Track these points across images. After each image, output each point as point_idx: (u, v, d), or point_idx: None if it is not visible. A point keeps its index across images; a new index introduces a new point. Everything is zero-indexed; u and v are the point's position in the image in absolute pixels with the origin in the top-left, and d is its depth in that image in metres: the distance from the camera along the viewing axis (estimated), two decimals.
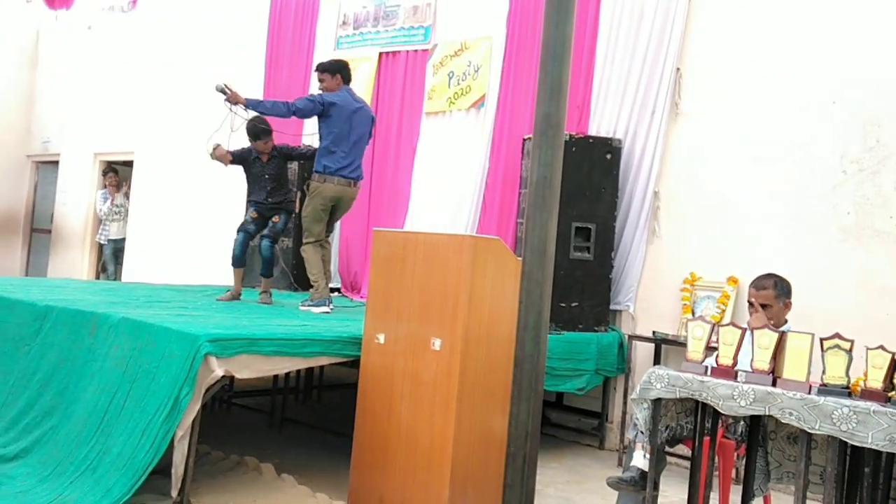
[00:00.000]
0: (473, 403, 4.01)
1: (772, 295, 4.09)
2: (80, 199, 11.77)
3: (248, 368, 4.11)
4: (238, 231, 6.47)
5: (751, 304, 4.16)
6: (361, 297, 7.34)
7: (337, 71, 5.97)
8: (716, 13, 5.96)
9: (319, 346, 4.42)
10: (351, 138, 5.87)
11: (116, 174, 10.96)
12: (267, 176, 6.38)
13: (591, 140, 6.08)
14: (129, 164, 11.12)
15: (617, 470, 5.11)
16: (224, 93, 5.79)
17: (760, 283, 4.14)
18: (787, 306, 4.13)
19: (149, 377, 4.04)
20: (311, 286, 6.00)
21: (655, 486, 3.69)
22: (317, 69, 6.10)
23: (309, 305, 5.90)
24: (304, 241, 6.03)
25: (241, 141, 6.39)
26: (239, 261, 6.42)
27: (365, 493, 4.22)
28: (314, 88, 8.50)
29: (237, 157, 6.42)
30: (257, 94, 9.02)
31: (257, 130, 6.21)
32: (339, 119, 5.79)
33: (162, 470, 3.87)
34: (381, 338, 4.27)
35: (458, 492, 3.93)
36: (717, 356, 3.53)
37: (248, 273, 7.27)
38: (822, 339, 3.25)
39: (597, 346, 5.83)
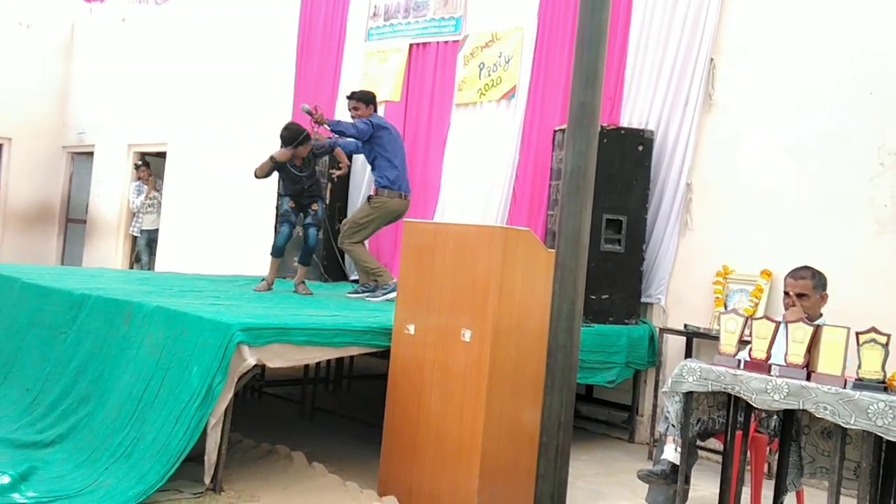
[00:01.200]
0: (503, 395, 4.00)
1: (810, 285, 4.04)
2: (115, 190, 11.92)
3: (280, 357, 4.14)
4: (283, 223, 6.49)
5: (787, 294, 4.11)
6: None
7: (370, 102, 6.50)
8: (751, 1, 5.88)
9: (350, 337, 4.44)
10: (401, 155, 6.42)
11: (148, 167, 11.08)
12: (304, 176, 6.42)
13: (622, 131, 6.03)
14: (162, 155, 11.24)
15: (647, 463, 5.08)
16: (311, 114, 6.11)
17: (798, 273, 4.10)
18: (824, 298, 4.09)
19: (182, 365, 4.09)
20: (375, 278, 6.36)
21: (686, 480, 3.67)
22: (351, 97, 6.52)
23: (384, 295, 6.16)
24: (351, 241, 6.41)
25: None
26: (280, 251, 6.47)
27: (394, 482, 4.24)
28: (344, 84, 8.57)
29: (275, 169, 6.40)
30: (288, 85, 9.08)
31: (302, 138, 6.25)
32: (389, 138, 6.38)
33: (195, 457, 3.92)
34: (412, 328, 4.28)
35: (487, 483, 3.94)
36: (750, 350, 3.50)
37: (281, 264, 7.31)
38: (857, 333, 3.21)
39: (627, 338, 5.79)
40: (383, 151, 6.31)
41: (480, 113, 7.50)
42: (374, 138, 6.30)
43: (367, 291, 6.34)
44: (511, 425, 4.05)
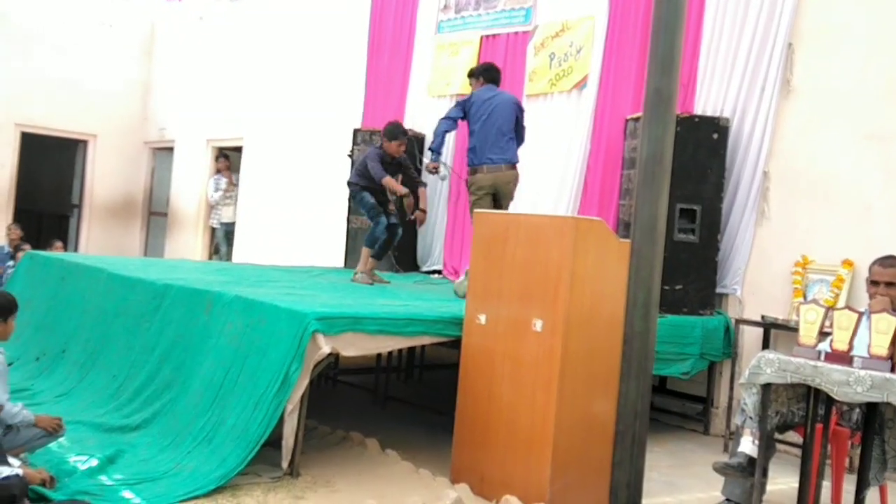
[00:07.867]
0: (575, 385, 3.99)
1: None
2: (194, 184, 12.26)
3: (353, 346, 4.22)
4: (378, 214, 6.42)
5: (875, 283, 3.98)
6: None
7: (478, 75, 6.24)
8: None
9: (421, 326, 4.49)
10: (480, 122, 5.99)
11: (227, 160, 11.36)
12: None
13: (696, 119, 5.92)
14: (238, 149, 11.50)
15: (722, 456, 5.00)
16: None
17: (887, 261, 3.97)
18: None
19: (260, 353, 4.20)
20: None
21: (764, 473, 3.61)
22: (470, 75, 6.39)
23: None
24: None
25: None
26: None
27: (466, 470, 4.28)
28: (415, 77, 8.62)
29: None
30: (360, 78, 9.18)
31: (397, 132, 6.34)
32: (473, 110, 6.04)
33: (273, 442, 4.03)
34: (483, 318, 4.30)
35: (559, 473, 3.93)
36: (831, 341, 3.41)
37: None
38: None
39: (702, 329, 5.71)
40: (471, 126, 6.05)
41: (551, 103, 7.45)
42: (466, 115, 6.10)
43: None
44: (583, 415, 4.04)
